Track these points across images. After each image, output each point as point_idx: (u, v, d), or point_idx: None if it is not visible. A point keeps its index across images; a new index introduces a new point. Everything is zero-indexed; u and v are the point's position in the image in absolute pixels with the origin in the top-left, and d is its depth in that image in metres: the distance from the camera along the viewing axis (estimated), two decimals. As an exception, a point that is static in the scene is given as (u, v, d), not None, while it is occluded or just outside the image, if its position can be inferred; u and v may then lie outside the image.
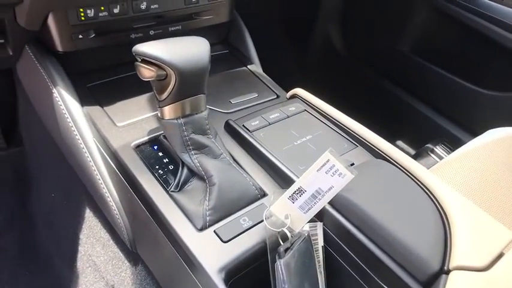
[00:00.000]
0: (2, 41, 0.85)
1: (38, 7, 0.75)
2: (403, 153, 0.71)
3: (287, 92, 0.94)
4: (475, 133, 1.05)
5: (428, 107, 1.52)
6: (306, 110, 0.85)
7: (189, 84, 0.66)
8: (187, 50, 0.66)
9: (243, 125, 0.79)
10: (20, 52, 0.89)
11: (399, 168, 0.68)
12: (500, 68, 1.31)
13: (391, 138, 1.59)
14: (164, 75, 0.65)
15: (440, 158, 1.40)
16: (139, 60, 0.66)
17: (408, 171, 0.67)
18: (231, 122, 0.80)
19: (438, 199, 0.61)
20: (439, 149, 1.47)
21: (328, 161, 0.56)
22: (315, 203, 0.59)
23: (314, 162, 0.56)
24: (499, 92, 1.31)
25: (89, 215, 0.99)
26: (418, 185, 0.64)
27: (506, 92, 1.29)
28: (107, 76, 0.91)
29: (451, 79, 1.41)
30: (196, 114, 0.69)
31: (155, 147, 0.76)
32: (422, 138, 1.50)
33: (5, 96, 1.26)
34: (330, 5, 1.73)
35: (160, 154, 0.75)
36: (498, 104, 1.32)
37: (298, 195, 0.59)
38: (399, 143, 1.63)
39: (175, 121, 0.67)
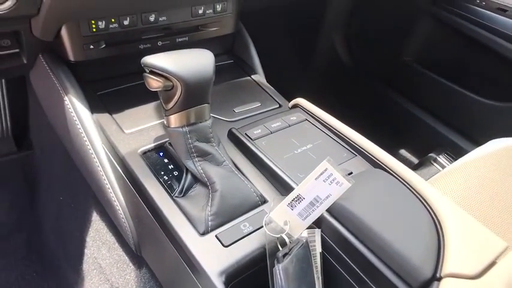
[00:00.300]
0: (17, 50, 0.88)
1: (52, 19, 0.78)
2: (401, 163, 0.72)
3: (290, 101, 0.96)
4: (478, 143, 1.07)
5: (431, 117, 1.54)
6: (307, 119, 0.87)
7: (194, 94, 0.69)
8: (193, 62, 0.68)
9: (246, 134, 0.81)
10: (33, 61, 0.92)
11: (396, 178, 0.70)
12: (502, 79, 1.32)
13: (394, 147, 1.62)
14: (171, 86, 0.68)
15: (443, 167, 1.41)
16: (148, 71, 0.69)
17: (405, 181, 0.69)
18: (234, 131, 0.82)
19: (433, 208, 0.63)
20: (442, 159, 1.48)
21: (326, 169, 0.59)
22: (313, 210, 0.61)
23: (313, 171, 0.59)
24: (501, 103, 1.32)
25: (95, 218, 1.01)
26: (414, 194, 0.66)
27: (508, 103, 1.31)
28: (116, 85, 0.94)
29: (454, 89, 1.43)
30: (200, 122, 0.71)
31: (161, 153, 0.79)
32: (425, 147, 1.52)
33: (17, 102, 1.30)
34: (335, 15, 1.75)
35: (166, 160, 0.78)
36: (501, 114, 1.33)
37: (297, 202, 0.61)
38: (402, 152, 1.65)
39: (181, 129, 0.70)
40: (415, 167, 1.50)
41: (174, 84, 0.67)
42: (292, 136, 0.82)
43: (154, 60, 0.68)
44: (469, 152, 0.99)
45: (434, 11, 1.42)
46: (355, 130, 0.83)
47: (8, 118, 1.34)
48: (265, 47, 1.20)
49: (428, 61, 1.51)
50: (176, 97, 0.68)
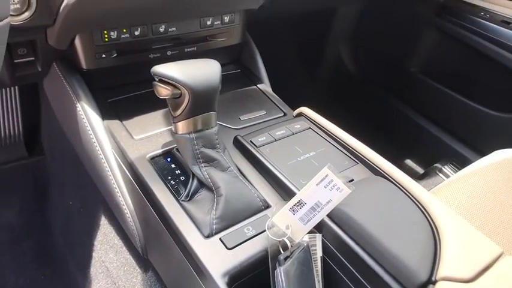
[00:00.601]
0: (32, 58, 0.92)
1: (67, 29, 0.82)
2: (400, 171, 0.74)
3: (295, 110, 0.99)
4: (483, 153, 1.08)
5: (437, 127, 1.55)
6: (310, 127, 0.89)
7: (201, 102, 0.72)
8: (200, 72, 0.71)
9: (251, 141, 0.83)
10: (48, 68, 0.95)
11: (395, 185, 0.72)
12: (507, 90, 1.33)
13: (400, 157, 1.64)
14: (179, 94, 0.70)
15: (448, 177, 1.42)
16: (157, 79, 0.71)
17: (404, 188, 0.70)
18: (240, 138, 0.85)
19: (430, 214, 0.64)
20: (447, 169, 1.49)
21: (326, 175, 0.61)
22: (314, 215, 0.63)
23: (314, 177, 0.61)
24: (506, 114, 1.34)
25: (103, 222, 1.03)
26: (412, 201, 0.68)
27: (513, 114, 1.32)
28: (126, 92, 0.97)
29: (459, 99, 1.44)
30: (207, 129, 0.74)
31: (168, 159, 0.81)
32: (431, 157, 1.53)
33: (29, 108, 1.33)
34: (342, 25, 1.78)
35: (173, 166, 0.80)
36: (505, 125, 1.34)
37: (299, 207, 0.63)
38: (408, 161, 1.66)
39: (188, 136, 0.73)
40: (420, 177, 1.51)
41: (182, 92, 0.70)
42: (295, 144, 0.84)
43: (163, 69, 0.70)
44: (474, 161, 1.01)
45: (439, 22, 1.44)
46: (361, 139, 0.85)
47: (20, 124, 1.38)
48: (272, 57, 1.22)
49: (434, 72, 1.53)
50: (184, 105, 0.71)
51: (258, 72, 1.13)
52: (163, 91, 0.71)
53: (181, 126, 0.73)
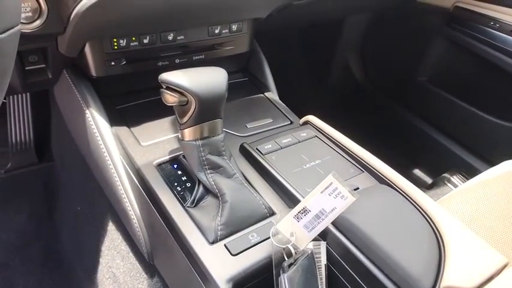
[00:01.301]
0: (43, 65, 0.94)
1: (77, 37, 0.83)
2: (406, 180, 0.74)
3: (302, 118, 0.99)
4: (491, 163, 1.07)
5: (446, 137, 1.55)
6: (316, 136, 0.90)
7: (207, 109, 0.73)
8: (207, 79, 0.72)
9: (257, 148, 0.84)
10: (58, 75, 0.97)
11: (401, 194, 0.72)
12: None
13: (408, 167, 1.63)
14: (185, 101, 0.71)
15: (457, 187, 1.41)
16: (164, 87, 0.73)
17: (409, 197, 0.70)
18: (246, 145, 0.85)
19: (435, 224, 0.64)
20: (455, 179, 1.47)
21: (331, 183, 0.61)
22: (318, 222, 0.63)
23: (319, 185, 0.61)
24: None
25: (111, 228, 1.04)
26: (417, 209, 0.68)
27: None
28: (134, 99, 0.98)
29: (468, 109, 1.44)
30: (213, 136, 0.75)
31: (175, 166, 0.82)
32: (439, 167, 1.51)
33: (40, 115, 1.36)
34: (350, 35, 1.79)
35: (179, 172, 0.81)
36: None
37: (303, 214, 0.63)
38: (416, 171, 1.65)
39: (194, 142, 0.73)
40: (428, 187, 1.50)
41: (189, 100, 0.71)
42: (301, 152, 0.84)
43: (170, 76, 0.72)
44: (482, 172, 1.00)
45: (449, 32, 1.44)
46: (368, 148, 0.85)
47: (31, 130, 1.40)
48: (280, 65, 1.23)
49: (442, 81, 1.53)
50: (190, 112, 0.72)
51: (265, 80, 1.14)
52: (171, 98, 0.72)
53: (188, 133, 0.74)
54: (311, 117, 0.95)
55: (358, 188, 0.76)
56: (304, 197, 0.72)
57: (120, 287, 0.98)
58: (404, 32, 1.63)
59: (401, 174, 0.77)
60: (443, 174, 1.49)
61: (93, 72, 0.91)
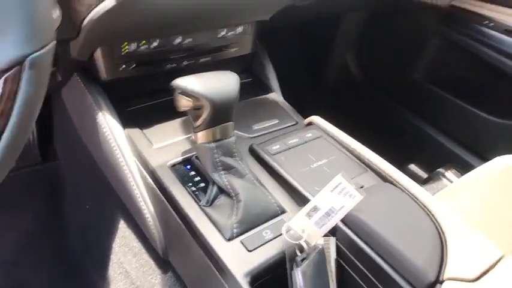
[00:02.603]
0: (53, 68, 0.95)
1: (89, 43, 0.85)
2: (408, 178, 0.78)
3: (304, 118, 1.02)
4: (485, 159, 1.09)
5: (441, 133, 1.57)
6: (321, 136, 0.93)
7: (220, 113, 0.75)
8: (220, 85, 0.75)
9: (266, 149, 0.87)
10: (67, 78, 0.98)
11: (403, 191, 0.76)
12: (509, 97, 1.35)
13: (404, 162, 1.66)
14: (199, 106, 0.74)
15: (451, 182, 1.44)
16: (179, 92, 0.76)
17: (411, 194, 0.75)
18: (255, 146, 0.88)
19: (437, 219, 0.69)
20: (450, 174, 1.51)
21: (340, 183, 0.65)
22: (328, 219, 0.66)
23: (328, 184, 0.65)
24: (508, 121, 1.36)
25: (122, 226, 1.05)
26: (420, 206, 0.72)
27: (515, 121, 1.35)
28: (144, 101, 0.99)
29: (462, 106, 1.46)
30: (225, 139, 0.77)
31: (188, 166, 0.84)
32: (434, 163, 1.53)
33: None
34: (347, 34, 1.80)
35: (192, 173, 0.83)
36: (508, 131, 1.36)
37: (314, 212, 0.67)
38: (412, 166, 1.67)
39: (208, 145, 0.76)
40: (423, 182, 1.53)
41: (204, 105, 0.74)
42: (308, 152, 0.87)
43: (184, 82, 0.74)
44: (477, 167, 1.04)
45: (444, 31, 1.46)
46: (366, 145, 0.89)
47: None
48: (278, 65, 1.26)
49: (438, 79, 1.54)
50: (204, 115, 0.75)
51: (269, 81, 1.16)
52: (185, 103, 0.75)
53: (202, 136, 0.77)
54: (315, 118, 0.98)
55: (363, 186, 0.79)
56: (312, 196, 0.75)
57: (133, 282, 1.00)
58: (401, 30, 1.65)
59: (397, 168, 0.81)
60: (438, 169, 1.51)
61: (104, 76, 0.92)
